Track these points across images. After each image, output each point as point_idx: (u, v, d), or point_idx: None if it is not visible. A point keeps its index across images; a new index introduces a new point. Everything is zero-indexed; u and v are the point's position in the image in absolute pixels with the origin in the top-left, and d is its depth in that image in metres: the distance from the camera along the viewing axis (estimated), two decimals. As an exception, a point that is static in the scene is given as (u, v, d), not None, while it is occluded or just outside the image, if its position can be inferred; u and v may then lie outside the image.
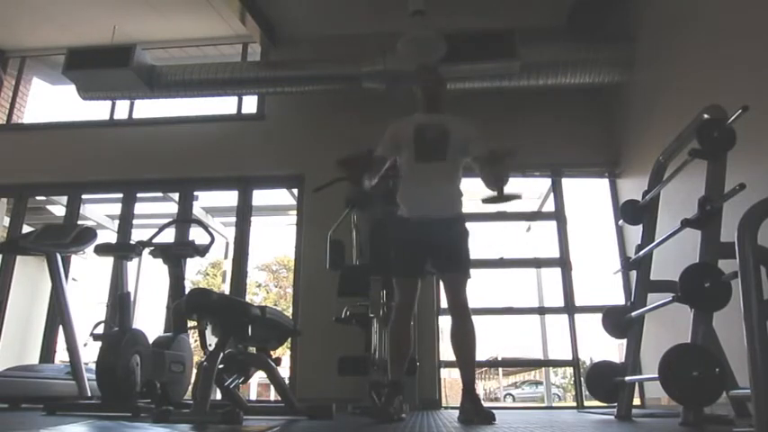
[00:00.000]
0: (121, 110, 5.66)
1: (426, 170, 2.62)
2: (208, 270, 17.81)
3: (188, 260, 3.53)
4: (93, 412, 2.81)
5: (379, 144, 2.74)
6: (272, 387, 3.95)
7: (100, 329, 3.29)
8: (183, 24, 5.50)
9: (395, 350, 2.61)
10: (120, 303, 3.28)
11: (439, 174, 2.62)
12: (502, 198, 2.50)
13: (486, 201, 2.56)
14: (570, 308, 4.70)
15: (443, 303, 4.46)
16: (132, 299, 3.60)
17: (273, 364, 2.69)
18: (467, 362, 2.51)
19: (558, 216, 5.00)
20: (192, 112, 5.73)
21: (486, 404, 2.50)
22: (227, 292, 5.14)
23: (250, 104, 5.54)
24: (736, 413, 2.22)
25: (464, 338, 2.53)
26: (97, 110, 6.86)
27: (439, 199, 2.61)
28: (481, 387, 16.02)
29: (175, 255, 3.43)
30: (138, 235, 5.22)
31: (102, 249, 3.49)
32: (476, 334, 2.53)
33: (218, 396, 2.74)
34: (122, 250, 3.59)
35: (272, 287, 19.15)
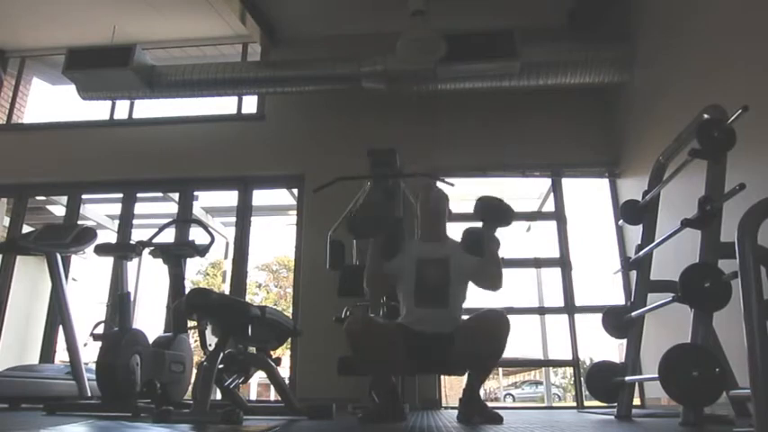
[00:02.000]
0: (121, 110, 5.66)
1: (427, 313, 2.47)
2: (208, 270, 17.82)
3: (188, 260, 3.52)
4: (93, 412, 2.82)
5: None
6: (272, 387, 3.94)
7: (100, 329, 3.29)
8: (183, 24, 5.50)
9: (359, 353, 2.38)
10: (120, 303, 3.28)
11: (440, 315, 2.47)
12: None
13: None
14: (570, 308, 4.70)
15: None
16: (132, 299, 3.60)
17: (273, 364, 2.69)
18: (481, 373, 2.46)
19: (558, 216, 5.00)
20: (192, 112, 5.74)
21: (485, 404, 2.49)
22: (227, 292, 5.14)
23: (250, 104, 5.54)
24: (736, 413, 2.22)
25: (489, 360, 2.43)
26: (97, 110, 6.89)
27: (440, 323, 2.46)
28: (481, 387, 15.99)
29: (175, 255, 3.43)
30: (138, 235, 5.23)
31: (102, 249, 3.49)
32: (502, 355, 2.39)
33: (219, 396, 2.74)
34: (122, 250, 3.59)
35: (272, 287, 19.15)
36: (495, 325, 2.33)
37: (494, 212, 2.50)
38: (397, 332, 2.40)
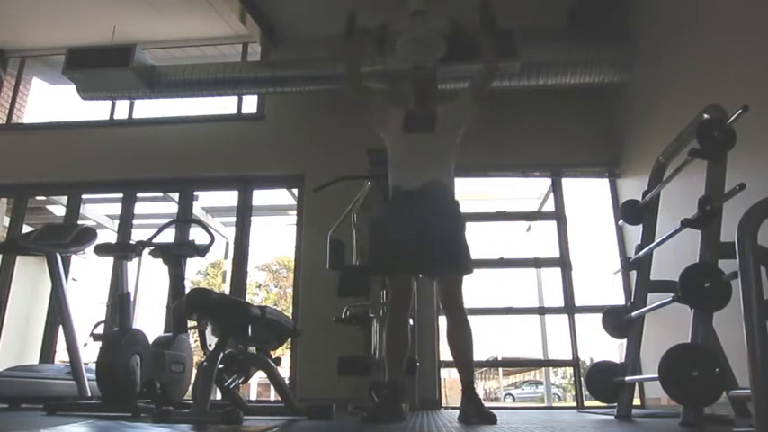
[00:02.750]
0: (121, 110, 5.66)
1: (414, 140, 2.65)
2: (208, 270, 17.82)
3: (188, 260, 3.52)
4: (93, 412, 2.82)
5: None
6: (272, 387, 3.94)
7: (100, 329, 3.29)
8: (183, 24, 5.50)
9: (391, 352, 2.57)
10: (120, 303, 3.28)
11: (428, 145, 2.63)
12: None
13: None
14: (570, 308, 4.70)
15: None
16: (132, 299, 3.60)
17: (273, 364, 2.69)
18: (464, 363, 2.49)
19: (558, 216, 5.00)
20: (192, 112, 5.74)
21: (486, 404, 2.49)
22: (227, 292, 5.14)
23: (250, 104, 5.54)
24: (736, 413, 2.22)
25: (460, 340, 2.49)
26: (97, 110, 6.89)
27: (429, 169, 2.58)
28: (481, 387, 16.02)
29: (175, 255, 3.43)
30: (138, 235, 5.23)
31: (102, 249, 3.49)
32: (472, 334, 2.49)
33: (219, 396, 2.74)
34: (122, 250, 3.59)
35: (273, 287, 19.15)
36: (468, 340, 2.48)
37: None
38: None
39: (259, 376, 5.15)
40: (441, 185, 2.56)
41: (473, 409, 2.35)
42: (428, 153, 2.61)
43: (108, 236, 6.51)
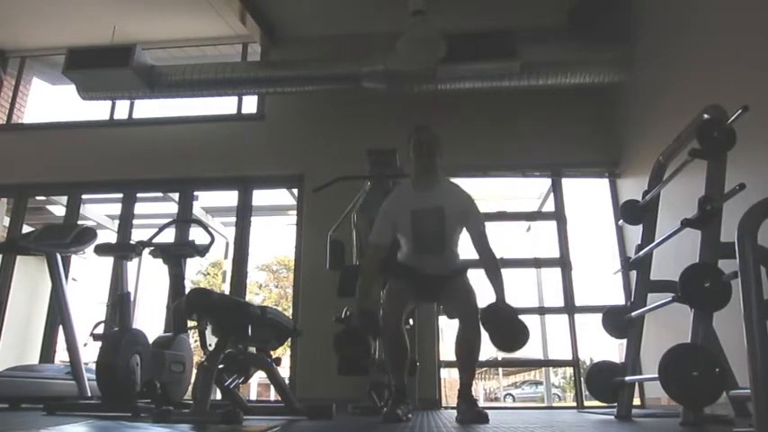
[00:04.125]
0: (121, 110, 5.66)
1: (425, 259, 2.64)
2: (208, 270, 17.80)
3: (188, 260, 3.52)
4: (93, 412, 2.81)
5: (378, 224, 2.69)
6: (272, 387, 3.94)
7: (100, 329, 3.28)
8: (183, 24, 5.50)
9: (393, 365, 2.60)
10: (120, 303, 3.28)
11: (437, 259, 2.63)
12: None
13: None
14: (570, 308, 4.70)
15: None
16: (132, 299, 3.60)
17: (273, 364, 2.69)
18: (467, 367, 2.51)
19: (558, 216, 5.00)
20: (192, 112, 5.74)
21: (486, 404, 2.51)
22: (227, 292, 5.14)
23: (250, 104, 5.54)
24: (736, 413, 2.22)
25: (469, 346, 2.48)
26: (97, 110, 6.88)
27: (438, 267, 2.63)
28: (481, 387, 16.00)
29: (175, 255, 3.43)
30: (138, 235, 5.23)
31: (102, 249, 3.48)
32: (481, 342, 2.50)
33: (219, 396, 2.74)
34: (122, 250, 3.59)
35: (273, 287, 19.14)
36: (476, 346, 2.49)
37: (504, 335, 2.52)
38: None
39: (259, 376, 5.15)
40: (453, 270, 2.63)
41: (468, 409, 2.39)
42: (439, 264, 2.63)
43: (108, 236, 6.51)
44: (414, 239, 2.60)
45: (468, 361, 2.51)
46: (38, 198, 6.33)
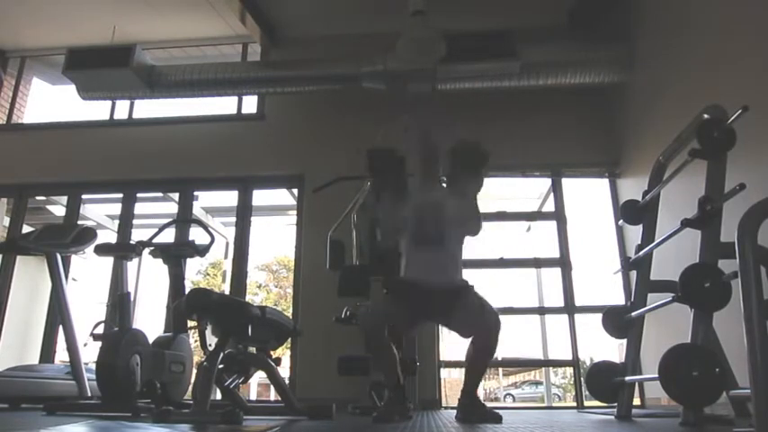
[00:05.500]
0: (121, 110, 5.66)
1: (426, 256, 2.58)
2: (208, 270, 17.80)
3: (188, 260, 3.52)
4: (93, 412, 2.81)
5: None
6: (272, 387, 3.95)
7: (100, 329, 3.28)
8: (183, 24, 5.50)
9: (380, 365, 2.59)
10: (120, 303, 3.28)
11: (439, 257, 2.56)
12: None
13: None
14: (570, 308, 4.70)
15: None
16: (132, 299, 3.60)
17: (273, 364, 2.69)
18: (476, 372, 2.49)
19: (558, 216, 5.00)
20: (192, 112, 5.73)
21: (486, 404, 2.50)
22: (227, 292, 5.14)
23: (250, 104, 5.54)
24: (736, 413, 2.22)
25: (484, 355, 2.46)
26: (97, 110, 6.88)
27: (439, 266, 2.53)
28: (481, 387, 15.97)
29: (175, 255, 3.43)
30: (138, 235, 5.23)
31: (102, 249, 3.48)
32: (495, 352, 2.46)
33: (219, 396, 2.74)
34: (122, 250, 3.59)
35: (273, 287, 19.14)
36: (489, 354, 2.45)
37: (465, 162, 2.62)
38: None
39: (259, 376, 5.15)
40: (456, 285, 2.54)
41: (473, 408, 2.37)
42: (441, 258, 2.56)
43: (108, 236, 6.50)
44: (414, 230, 2.58)
45: (480, 369, 2.50)
46: (38, 198, 6.33)
